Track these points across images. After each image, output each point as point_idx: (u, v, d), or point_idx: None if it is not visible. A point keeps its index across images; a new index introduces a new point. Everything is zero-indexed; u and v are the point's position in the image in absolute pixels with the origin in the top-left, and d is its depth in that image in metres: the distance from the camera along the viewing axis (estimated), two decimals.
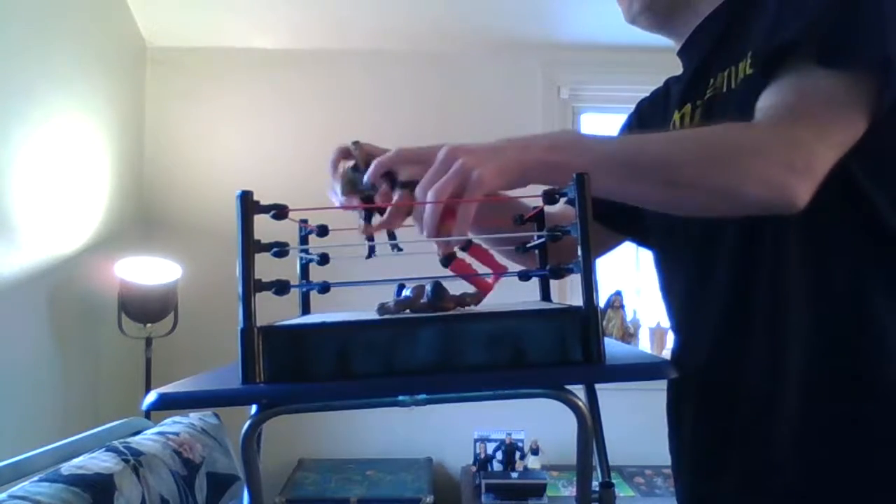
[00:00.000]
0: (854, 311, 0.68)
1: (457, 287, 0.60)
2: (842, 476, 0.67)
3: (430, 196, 0.58)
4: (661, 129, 0.85)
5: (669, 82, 0.97)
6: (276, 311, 0.54)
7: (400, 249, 0.67)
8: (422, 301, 0.56)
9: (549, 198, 0.56)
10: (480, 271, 0.64)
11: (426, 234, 0.61)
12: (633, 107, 1.06)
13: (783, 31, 0.67)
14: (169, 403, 0.43)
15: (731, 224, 0.74)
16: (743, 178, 0.61)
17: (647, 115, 0.99)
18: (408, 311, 0.55)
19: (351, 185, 0.69)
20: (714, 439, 0.79)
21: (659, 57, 3.02)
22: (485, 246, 0.67)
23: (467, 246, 0.65)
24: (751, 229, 0.72)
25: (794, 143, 0.62)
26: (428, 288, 0.56)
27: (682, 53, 0.90)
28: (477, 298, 0.61)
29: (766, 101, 0.67)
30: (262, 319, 0.46)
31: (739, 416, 0.74)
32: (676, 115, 0.85)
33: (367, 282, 0.59)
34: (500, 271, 0.64)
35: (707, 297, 0.78)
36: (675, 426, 0.88)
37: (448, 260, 0.63)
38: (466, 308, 0.59)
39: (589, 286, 0.47)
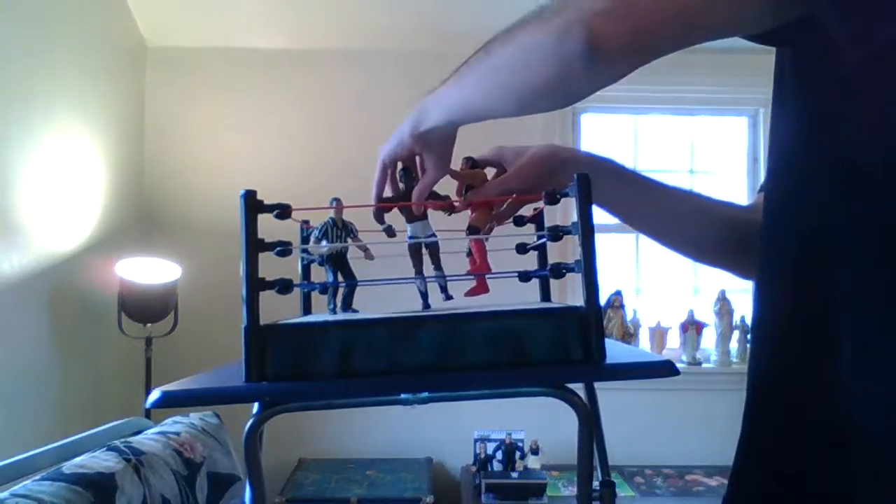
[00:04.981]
0: None
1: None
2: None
3: None
4: None
5: None
6: (278, 311, 0.54)
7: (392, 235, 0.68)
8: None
9: (550, 197, 0.56)
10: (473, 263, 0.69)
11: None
12: (632, 106, 1.03)
13: None
14: (173, 401, 0.43)
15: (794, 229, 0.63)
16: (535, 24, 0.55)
17: None
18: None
19: None
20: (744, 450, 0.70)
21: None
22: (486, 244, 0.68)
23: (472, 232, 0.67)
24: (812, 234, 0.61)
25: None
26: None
27: None
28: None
29: None
30: (264, 318, 0.46)
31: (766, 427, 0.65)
32: None
33: (368, 281, 0.59)
34: (484, 269, 0.68)
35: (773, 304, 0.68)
36: None
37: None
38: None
39: (590, 286, 0.47)
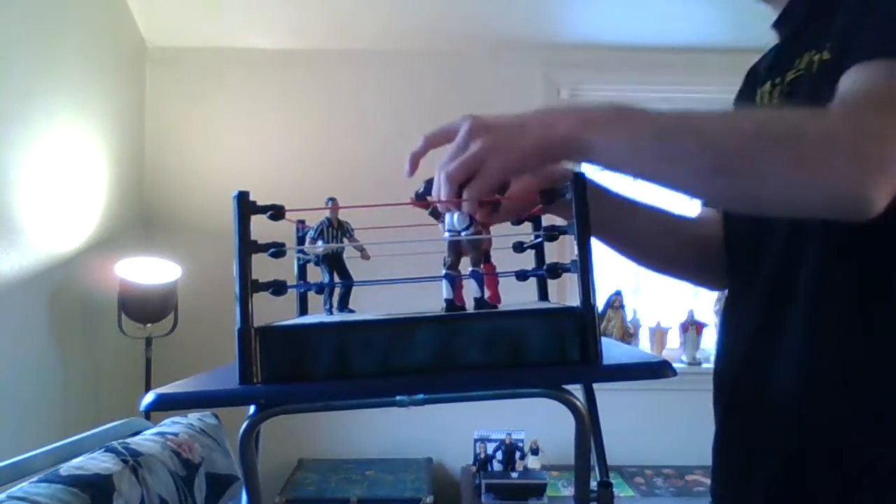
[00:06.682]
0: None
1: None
2: (881, 485, 0.63)
3: (442, 179, 0.56)
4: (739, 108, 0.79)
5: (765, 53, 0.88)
6: (274, 312, 0.54)
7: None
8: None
9: (548, 197, 0.56)
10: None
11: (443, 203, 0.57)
12: None
13: (864, 35, 0.59)
14: (167, 404, 0.43)
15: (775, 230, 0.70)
16: (799, 166, 0.53)
17: (744, 88, 0.90)
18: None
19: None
20: (740, 446, 0.75)
21: (659, 57, 3.00)
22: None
23: (486, 259, 0.64)
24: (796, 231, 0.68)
25: (867, 133, 0.53)
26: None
27: (775, 25, 0.81)
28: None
29: (843, 86, 0.58)
30: (260, 320, 0.46)
31: (767, 422, 0.70)
32: (759, 93, 0.79)
33: (365, 282, 0.59)
34: (494, 298, 0.64)
35: (749, 299, 0.75)
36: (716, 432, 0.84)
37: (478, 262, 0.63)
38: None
39: (586, 286, 0.47)
